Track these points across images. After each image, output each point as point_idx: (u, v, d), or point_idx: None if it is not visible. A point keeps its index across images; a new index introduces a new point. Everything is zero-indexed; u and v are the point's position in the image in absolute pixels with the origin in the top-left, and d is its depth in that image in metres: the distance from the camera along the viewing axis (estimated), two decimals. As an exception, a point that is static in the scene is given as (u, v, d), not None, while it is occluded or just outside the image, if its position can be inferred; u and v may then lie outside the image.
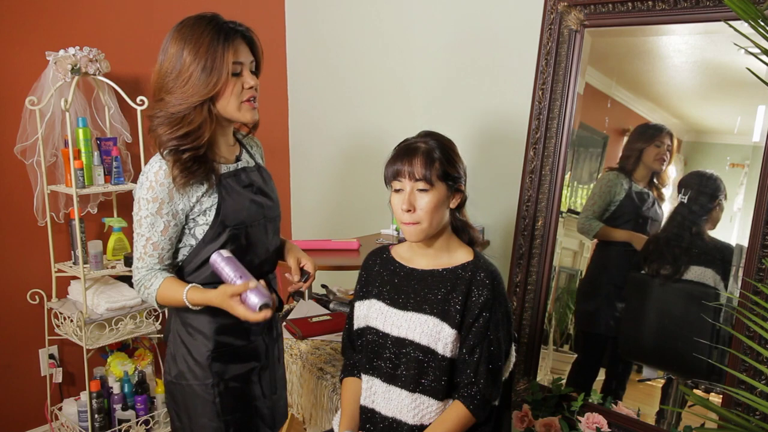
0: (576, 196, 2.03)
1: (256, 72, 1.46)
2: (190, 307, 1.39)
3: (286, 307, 2.40)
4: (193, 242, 1.44)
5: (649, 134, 1.88)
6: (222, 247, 1.42)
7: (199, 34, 1.35)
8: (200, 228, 1.42)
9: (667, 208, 1.86)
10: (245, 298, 1.32)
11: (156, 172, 1.36)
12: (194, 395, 1.47)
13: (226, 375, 1.48)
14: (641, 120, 1.89)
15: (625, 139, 1.94)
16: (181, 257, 1.46)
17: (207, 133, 1.37)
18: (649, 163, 1.87)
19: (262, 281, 1.36)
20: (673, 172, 1.83)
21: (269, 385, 1.59)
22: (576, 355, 2.02)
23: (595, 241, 2.00)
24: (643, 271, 1.86)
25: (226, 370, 1.48)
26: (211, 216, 1.41)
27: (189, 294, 1.38)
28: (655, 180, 1.88)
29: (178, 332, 1.50)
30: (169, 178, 1.36)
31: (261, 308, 1.31)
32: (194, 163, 1.37)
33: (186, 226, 1.43)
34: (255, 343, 1.54)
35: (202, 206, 1.41)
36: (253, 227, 1.48)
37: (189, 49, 1.35)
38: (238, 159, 1.51)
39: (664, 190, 1.85)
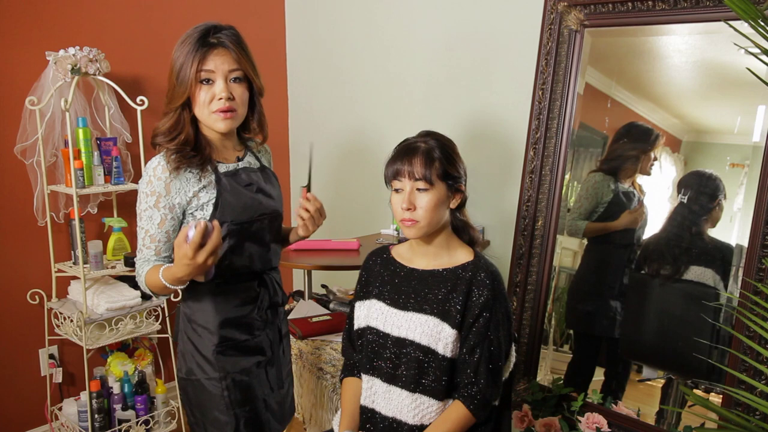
0: (576, 195, 2.03)
1: (250, 87, 1.47)
2: (167, 285, 1.35)
3: (286, 307, 2.40)
4: None
5: (639, 136, 1.88)
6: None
7: (185, 42, 1.41)
8: None
9: (652, 206, 1.87)
10: (189, 235, 1.26)
11: (155, 167, 1.42)
12: (204, 390, 1.51)
13: (232, 369, 1.51)
14: (641, 120, 1.89)
15: (610, 139, 1.94)
16: None
17: (184, 134, 1.43)
18: (639, 166, 1.88)
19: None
20: (672, 172, 1.83)
21: (276, 380, 1.62)
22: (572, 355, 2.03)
23: (586, 241, 2.00)
24: (642, 271, 1.86)
25: (233, 363, 1.51)
26: (208, 211, 1.44)
27: (164, 272, 1.36)
28: (637, 179, 1.89)
29: (185, 330, 1.54)
30: (166, 173, 1.41)
31: (195, 227, 1.24)
32: (190, 150, 1.43)
33: (184, 221, 1.46)
34: (259, 338, 1.56)
35: (200, 201, 1.45)
36: (252, 224, 1.50)
37: (176, 55, 1.42)
38: (239, 160, 1.55)
39: (664, 190, 1.85)
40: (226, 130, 1.46)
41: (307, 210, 1.57)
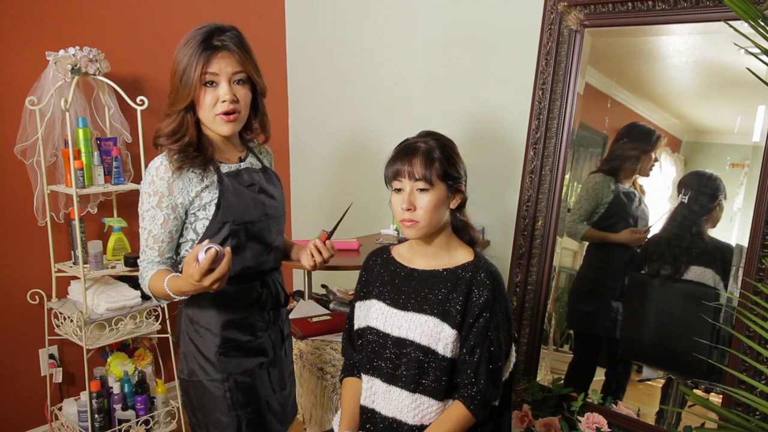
0: (576, 196, 2.03)
1: (253, 87, 1.47)
2: (171, 295, 1.37)
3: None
4: (194, 237, 1.47)
5: (640, 137, 1.88)
6: (222, 242, 1.44)
7: (188, 44, 1.41)
8: (200, 222, 1.46)
9: (652, 206, 1.87)
10: (199, 258, 1.27)
11: (157, 167, 1.42)
12: (206, 391, 1.51)
13: (234, 370, 1.51)
14: (641, 120, 1.89)
15: (611, 139, 1.94)
16: (183, 253, 1.49)
17: (188, 137, 1.43)
18: (639, 167, 1.88)
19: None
20: (672, 172, 1.83)
21: (278, 381, 1.62)
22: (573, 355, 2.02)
23: (587, 241, 2.01)
24: (643, 271, 1.86)
25: (235, 365, 1.51)
26: (211, 211, 1.45)
27: (169, 282, 1.37)
28: (638, 179, 1.89)
29: (187, 331, 1.54)
30: (169, 173, 1.41)
31: (206, 252, 1.25)
32: (193, 150, 1.44)
33: (187, 221, 1.47)
34: (261, 339, 1.56)
35: (202, 201, 1.45)
36: (254, 224, 1.50)
37: (179, 57, 1.41)
38: (242, 161, 1.55)
39: (664, 191, 1.85)
40: (229, 133, 1.47)
41: (320, 252, 1.56)
